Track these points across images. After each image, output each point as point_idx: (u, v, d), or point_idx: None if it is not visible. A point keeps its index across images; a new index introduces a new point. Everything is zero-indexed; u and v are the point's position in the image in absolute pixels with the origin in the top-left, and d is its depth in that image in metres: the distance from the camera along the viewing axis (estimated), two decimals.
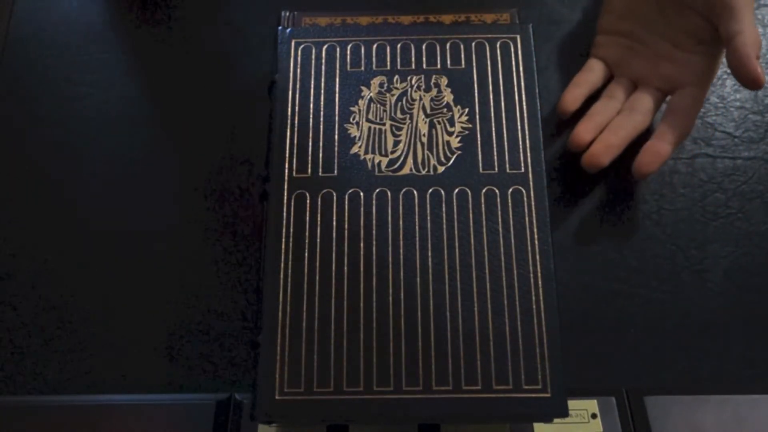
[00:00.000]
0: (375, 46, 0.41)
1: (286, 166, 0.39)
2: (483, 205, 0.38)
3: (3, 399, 0.40)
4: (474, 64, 0.41)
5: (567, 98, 0.46)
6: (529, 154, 0.39)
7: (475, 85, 0.40)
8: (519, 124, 0.39)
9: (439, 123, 0.39)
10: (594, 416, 0.39)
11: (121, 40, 0.51)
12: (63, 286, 0.43)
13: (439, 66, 0.41)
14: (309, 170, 0.38)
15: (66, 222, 0.45)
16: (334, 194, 0.38)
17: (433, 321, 0.35)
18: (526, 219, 0.37)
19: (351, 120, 0.40)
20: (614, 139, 0.44)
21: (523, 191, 0.38)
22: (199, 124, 0.48)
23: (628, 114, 0.44)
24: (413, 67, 0.41)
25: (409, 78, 0.41)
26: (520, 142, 0.39)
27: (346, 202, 0.38)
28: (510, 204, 0.38)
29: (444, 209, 0.38)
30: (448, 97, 0.40)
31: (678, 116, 0.43)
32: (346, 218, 0.37)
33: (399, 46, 0.41)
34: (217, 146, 0.47)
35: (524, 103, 0.40)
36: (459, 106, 0.40)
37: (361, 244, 0.37)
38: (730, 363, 0.41)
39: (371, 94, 0.40)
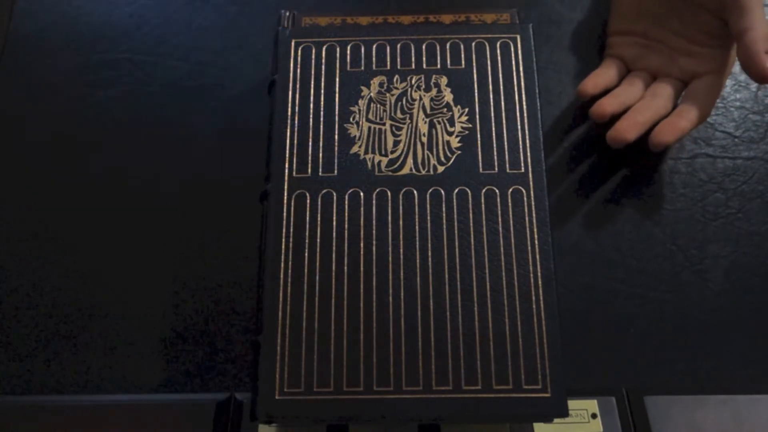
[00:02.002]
0: (375, 46, 0.41)
1: (286, 166, 0.38)
2: (483, 205, 0.38)
3: (3, 399, 0.40)
4: (474, 64, 0.41)
5: (588, 83, 0.46)
6: (529, 154, 0.39)
7: (475, 85, 0.40)
8: (519, 124, 0.39)
9: (439, 123, 0.39)
10: (594, 416, 0.39)
11: (120, 39, 0.51)
12: (63, 286, 0.43)
13: (439, 66, 0.41)
14: (309, 170, 0.38)
15: (66, 222, 0.45)
16: (334, 194, 0.38)
17: (433, 321, 0.35)
18: (526, 219, 0.37)
19: (351, 120, 0.40)
20: (640, 118, 0.44)
21: (523, 191, 0.38)
22: (198, 124, 0.48)
23: (651, 98, 0.45)
24: (413, 67, 0.41)
25: (409, 78, 0.41)
26: (520, 142, 0.39)
27: (346, 202, 0.38)
28: (510, 204, 0.38)
29: (444, 209, 0.38)
30: (448, 97, 0.40)
31: (697, 100, 0.44)
32: (346, 218, 0.37)
33: (399, 46, 0.41)
34: (216, 146, 0.47)
35: (524, 103, 0.40)
36: (459, 106, 0.40)
37: (361, 244, 0.37)
38: (730, 363, 0.41)
39: (371, 94, 0.40)
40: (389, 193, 0.38)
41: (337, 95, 0.40)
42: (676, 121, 0.43)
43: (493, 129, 0.39)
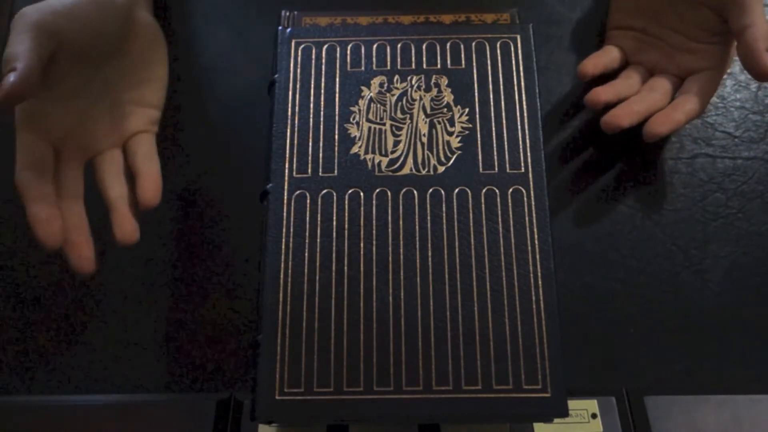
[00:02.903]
0: (375, 46, 0.41)
1: (286, 166, 0.39)
2: (483, 205, 0.38)
3: (3, 399, 0.40)
4: (474, 64, 0.41)
5: (588, 62, 0.46)
6: (529, 154, 0.39)
7: (475, 85, 0.40)
8: (519, 124, 0.39)
9: (439, 123, 0.39)
10: (594, 416, 0.39)
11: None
12: (63, 286, 0.43)
13: (439, 66, 0.41)
14: (309, 170, 0.38)
15: None
16: (334, 194, 0.38)
17: (433, 321, 0.35)
18: (526, 219, 0.37)
19: (351, 120, 0.40)
20: (635, 107, 0.44)
21: (523, 191, 0.38)
22: (198, 123, 0.48)
23: (648, 92, 0.45)
24: (413, 67, 0.41)
25: (409, 78, 0.41)
26: (520, 142, 0.39)
27: (346, 202, 0.38)
28: (510, 204, 0.38)
29: (444, 209, 0.38)
30: (448, 97, 0.40)
31: (693, 94, 0.44)
32: (346, 218, 0.37)
33: (399, 46, 0.41)
34: (216, 146, 0.47)
35: (524, 103, 0.40)
36: (459, 106, 0.40)
37: (361, 244, 0.37)
38: (730, 363, 0.41)
39: (371, 94, 0.40)
40: (389, 193, 0.38)
41: (337, 95, 0.40)
42: (671, 113, 0.43)
43: (493, 129, 0.39)
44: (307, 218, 0.37)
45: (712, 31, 0.44)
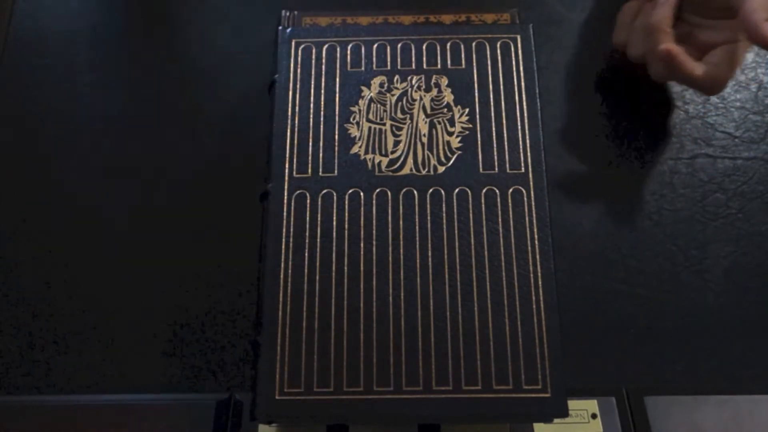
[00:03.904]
0: (375, 46, 0.41)
1: (286, 166, 0.38)
2: (483, 205, 0.38)
3: (3, 399, 0.40)
4: (474, 64, 0.41)
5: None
6: (529, 154, 0.39)
7: (475, 85, 0.40)
8: (519, 124, 0.39)
9: (439, 123, 0.39)
10: (594, 416, 0.39)
11: (121, 39, 0.51)
12: (63, 286, 0.43)
13: (439, 66, 0.41)
14: (309, 170, 0.38)
15: (65, 221, 0.45)
16: (334, 194, 0.38)
17: (433, 321, 0.35)
18: (526, 219, 0.37)
19: (351, 120, 0.40)
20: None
21: (523, 191, 0.38)
22: (199, 123, 0.48)
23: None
24: (413, 67, 0.41)
25: (409, 78, 0.41)
26: (520, 142, 0.39)
27: (346, 202, 0.38)
28: (510, 204, 0.38)
29: (444, 209, 0.38)
30: (448, 97, 0.40)
31: (714, 64, 0.43)
32: (346, 218, 0.37)
33: (399, 46, 0.41)
34: (217, 146, 0.47)
35: (524, 103, 0.40)
36: (459, 106, 0.40)
37: (361, 244, 0.37)
38: (730, 363, 0.41)
39: (371, 94, 0.40)
40: (389, 193, 0.38)
41: (337, 95, 0.40)
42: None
43: (494, 129, 0.39)
44: (307, 218, 0.37)
45: (723, 8, 0.43)
